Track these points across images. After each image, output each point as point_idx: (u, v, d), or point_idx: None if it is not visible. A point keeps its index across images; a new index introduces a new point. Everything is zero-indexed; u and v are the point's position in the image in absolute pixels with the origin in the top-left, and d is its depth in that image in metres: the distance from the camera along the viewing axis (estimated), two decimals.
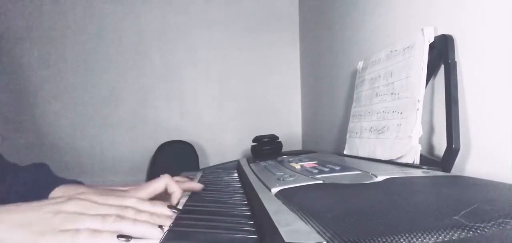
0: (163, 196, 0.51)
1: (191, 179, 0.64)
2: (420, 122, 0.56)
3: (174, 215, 0.41)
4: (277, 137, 1.14)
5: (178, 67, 1.56)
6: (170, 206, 0.42)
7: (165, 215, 0.41)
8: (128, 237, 0.35)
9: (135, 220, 0.37)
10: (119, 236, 0.34)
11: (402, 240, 0.21)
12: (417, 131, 0.56)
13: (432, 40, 0.57)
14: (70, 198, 0.38)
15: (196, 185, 0.59)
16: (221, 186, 0.67)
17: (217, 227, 0.37)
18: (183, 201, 0.53)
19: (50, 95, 1.48)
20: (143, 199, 0.43)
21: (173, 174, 0.56)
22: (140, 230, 0.37)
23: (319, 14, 1.30)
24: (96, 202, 0.39)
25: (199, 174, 0.84)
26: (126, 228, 0.36)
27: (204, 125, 1.58)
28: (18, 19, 1.44)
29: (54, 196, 0.50)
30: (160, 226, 0.37)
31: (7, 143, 1.42)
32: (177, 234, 0.36)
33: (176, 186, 0.51)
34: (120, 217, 0.37)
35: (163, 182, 0.51)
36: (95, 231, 0.34)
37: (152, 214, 0.40)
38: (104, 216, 0.37)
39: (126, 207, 0.40)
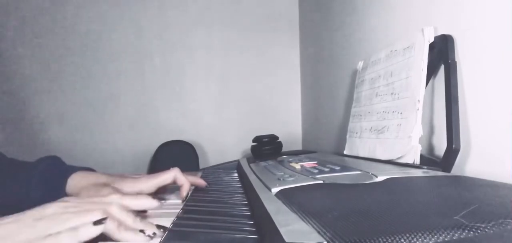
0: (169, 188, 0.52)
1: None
2: (420, 122, 0.56)
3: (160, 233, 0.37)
4: (277, 137, 1.14)
5: (178, 67, 1.56)
6: (159, 226, 0.38)
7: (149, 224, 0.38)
8: (104, 218, 0.33)
9: (119, 225, 0.35)
10: (95, 222, 0.32)
11: (402, 240, 0.21)
12: (417, 131, 0.56)
13: (432, 40, 0.57)
14: (50, 204, 0.37)
15: (201, 181, 0.61)
16: (221, 186, 0.67)
17: (217, 227, 0.38)
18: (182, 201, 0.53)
19: (49, 96, 1.48)
20: (127, 207, 0.39)
21: None
22: (125, 236, 0.34)
23: (319, 14, 1.30)
24: (78, 201, 0.38)
25: (199, 174, 0.84)
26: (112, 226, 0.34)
27: (204, 125, 1.58)
28: (17, 20, 1.44)
29: (72, 182, 0.51)
30: (142, 231, 0.35)
31: (6, 145, 1.41)
32: (177, 234, 0.36)
33: (185, 179, 0.54)
34: (106, 213, 0.35)
35: (173, 174, 0.54)
36: (74, 228, 0.33)
37: (134, 220, 0.37)
38: (88, 210, 0.35)
39: (110, 204, 0.37)
